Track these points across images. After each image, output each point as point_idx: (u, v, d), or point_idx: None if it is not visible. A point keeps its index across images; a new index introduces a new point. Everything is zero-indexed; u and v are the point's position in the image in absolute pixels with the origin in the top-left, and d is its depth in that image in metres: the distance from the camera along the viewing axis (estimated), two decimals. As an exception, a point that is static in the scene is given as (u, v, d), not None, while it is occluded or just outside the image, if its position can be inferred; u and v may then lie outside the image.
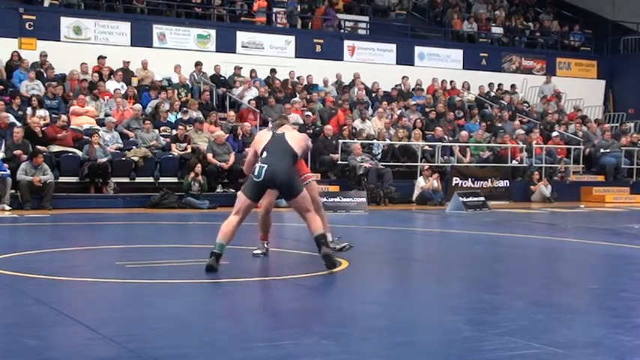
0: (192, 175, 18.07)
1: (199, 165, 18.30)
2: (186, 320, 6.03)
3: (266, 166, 8.44)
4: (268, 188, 8.67)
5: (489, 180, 22.30)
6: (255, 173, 8.46)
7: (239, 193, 8.84)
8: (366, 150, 21.70)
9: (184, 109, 21.55)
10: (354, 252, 9.99)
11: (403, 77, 27.40)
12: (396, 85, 27.24)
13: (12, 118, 18.98)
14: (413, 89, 27.49)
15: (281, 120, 9.39)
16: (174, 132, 20.31)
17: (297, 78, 25.71)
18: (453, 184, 21.50)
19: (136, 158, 18.72)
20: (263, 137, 8.81)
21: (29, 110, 19.58)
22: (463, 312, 6.53)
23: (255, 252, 9.66)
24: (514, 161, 23.41)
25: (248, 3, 27.50)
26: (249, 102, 22.95)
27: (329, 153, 21.12)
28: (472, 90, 28.55)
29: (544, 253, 11.56)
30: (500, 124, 25.43)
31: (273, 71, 25.50)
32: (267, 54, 26.40)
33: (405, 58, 28.55)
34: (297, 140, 8.81)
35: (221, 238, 8.38)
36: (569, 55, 32.33)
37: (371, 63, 27.88)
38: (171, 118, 21.45)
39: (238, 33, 26.30)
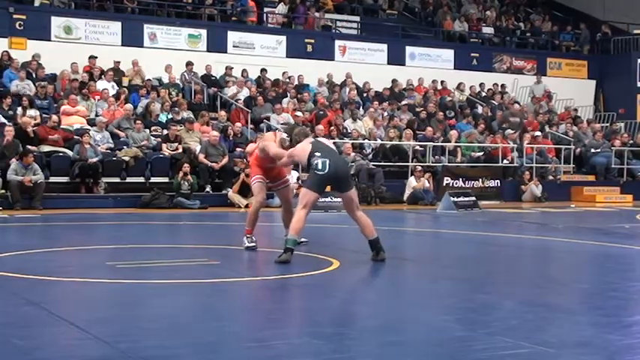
0: (181, 174, 18.04)
1: (186, 165, 18.26)
2: (177, 320, 6.02)
3: (328, 160, 8.98)
4: (330, 181, 9.13)
5: (480, 180, 22.35)
6: (320, 167, 8.95)
7: (304, 189, 9.29)
8: (357, 150, 21.73)
9: (175, 109, 21.52)
10: (345, 251, 9.98)
11: (395, 79, 27.42)
12: (394, 81, 27.25)
13: (2, 118, 18.93)
14: (404, 89, 27.53)
15: (305, 131, 9.92)
16: (165, 132, 20.27)
17: (288, 78, 25.70)
18: (444, 184, 21.54)
19: (126, 158, 18.68)
20: (304, 147, 9.23)
21: (19, 110, 19.53)
22: (454, 312, 6.53)
23: (250, 245, 9.78)
24: (505, 161, 23.45)
25: (242, 2, 27.47)
26: (237, 101, 22.92)
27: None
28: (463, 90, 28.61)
29: (535, 253, 11.58)
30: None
31: (263, 71, 25.50)
32: (259, 54, 26.40)
33: (396, 58, 28.57)
34: (330, 144, 9.63)
35: (294, 234, 8.90)
36: (560, 55, 32.42)
37: (362, 63, 27.90)
38: (162, 117, 21.42)
39: (229, 33, 26.29)
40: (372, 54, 28.41)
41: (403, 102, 26.19)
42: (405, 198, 20.82)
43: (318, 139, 9.98)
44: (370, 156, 21.95)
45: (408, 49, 29.09)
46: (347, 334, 5.72)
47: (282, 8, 28.18)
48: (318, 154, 9.07)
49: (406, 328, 5.98)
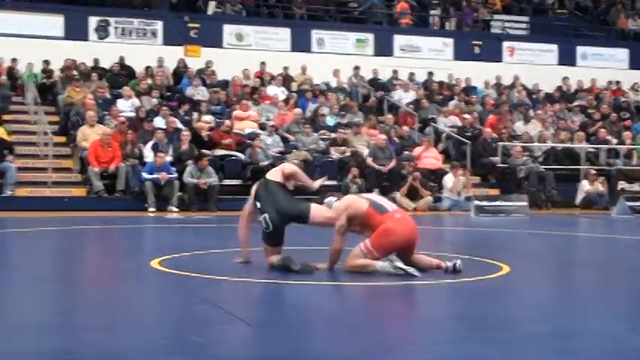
0: (350, 176, 18.26)
1: (354, 168, 18.45)
2: (346, 321, 6.08)
3: (267, 214, 8.44)
4: (282, 228, 8.65)
5: (658, 184, 21.48)
6: (264, 226, 8.40)
7: (264, 244, 8.63)
8: (527, 152, 21.33)
9: (343, 112, 21.78)
10: (515, 256, 9.80)
11: (566, 77, 26.77)
12: (564, 79, 26.59)
13: (179, 123, 19.71)
14: (576, 90, 26.81)
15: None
16: (333, 135, 20.54)
17: (455, 80, 25.53)
18: (619, 188, 20.83)
19: (296, 161, 19.02)
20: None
21: (195, 115, 20.29)
22: (629, 320, 6.29)
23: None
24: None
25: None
26: (407, 105, 22.98)
27: (488, 156, 20.85)
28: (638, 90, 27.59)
29: None
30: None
31: (430, 74, 25.43)
32: (425, 57, 26.36)
33: (566, 58, 27.89)
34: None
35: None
36: None
37: (531, 64, 27.35)
38: (330, 121, 21.71)
39: (395, 36, 26.38)
40: (541, 55, 27.84)
41: (574, 103, 25.51)
42: (577, 202, 20.26)
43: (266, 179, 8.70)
44: (540, 159, 21.49)
45: (580, 49, 28.35)
46: (516, 339, 5.62)
47: (440, 11, 28.06)
48: (258, 204, 8.46)
49: (578, 336, 5.81)
